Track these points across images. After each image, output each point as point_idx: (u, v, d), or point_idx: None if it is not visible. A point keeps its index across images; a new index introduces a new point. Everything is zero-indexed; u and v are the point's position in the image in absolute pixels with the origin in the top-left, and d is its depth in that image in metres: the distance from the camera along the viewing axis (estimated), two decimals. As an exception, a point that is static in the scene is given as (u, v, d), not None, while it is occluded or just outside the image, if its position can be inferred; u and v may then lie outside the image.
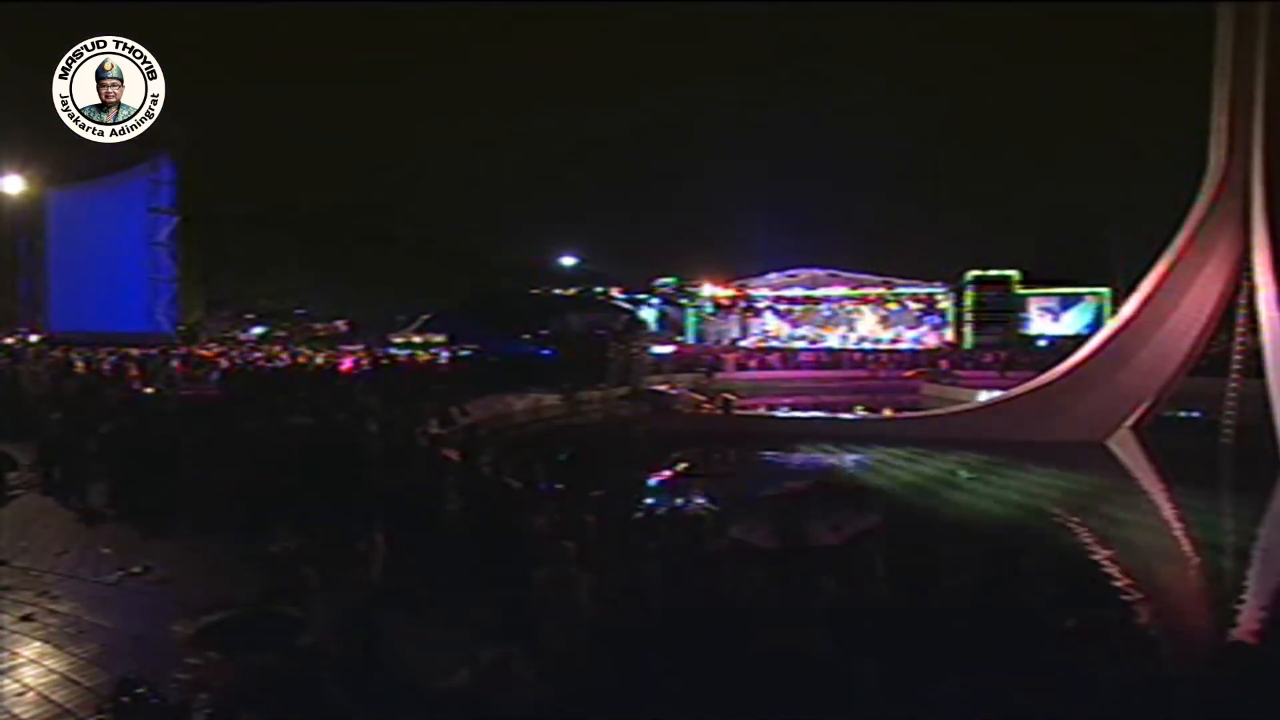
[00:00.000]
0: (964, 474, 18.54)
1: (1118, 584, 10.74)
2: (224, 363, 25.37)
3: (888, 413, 27.44)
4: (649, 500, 12.33)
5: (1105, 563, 11.80)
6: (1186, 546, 13.30)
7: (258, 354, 29.54)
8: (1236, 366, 20.19)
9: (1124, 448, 20.88)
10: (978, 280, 46.06)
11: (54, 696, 5.46)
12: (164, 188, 17.23)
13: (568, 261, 50.47)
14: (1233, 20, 19.89)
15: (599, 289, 49.60)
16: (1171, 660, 5.35)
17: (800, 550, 5.25)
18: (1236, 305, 20.11)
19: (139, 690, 4.46)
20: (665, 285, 49.13)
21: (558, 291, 49.44)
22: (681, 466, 18.48)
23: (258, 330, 55.06)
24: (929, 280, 46.89)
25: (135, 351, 23.55)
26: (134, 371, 20.75)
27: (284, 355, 28.94)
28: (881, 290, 46.87)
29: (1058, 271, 47.20)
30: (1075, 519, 14.71)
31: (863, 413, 28.15)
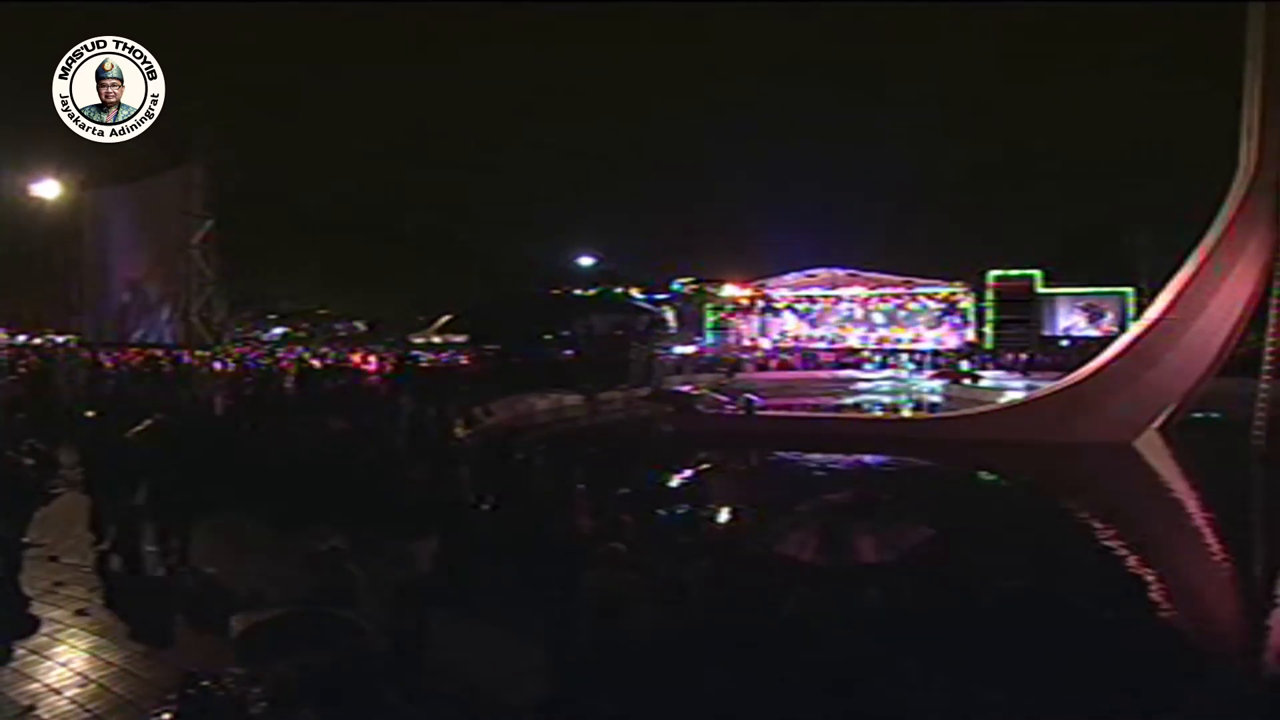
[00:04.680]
0: None
1: (1154, 589, 10.65)
2: (250, 365, 25.64)
3: (910, 413, 27.36)
4: (679, 506, 12.28)
5: (1143, 568, 11.68)
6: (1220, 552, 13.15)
7: (282, 354, 29.83)
8: (1267, 367, 19.95)
9: (1150, 449, 20.69)
10: (999, 280, 45.63)
11: (114, 688, 5.61)
12: (195, 191, 17.44)
13: (586, 262, 50.50)
14: (1264, 18, 19.68)
15: (618, 289, 49.63)
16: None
17: (849, 567, 5.08)
18: (1267, 305, 19.89)
19: (203, 683, 4.57)
20: (684, 285, 49.05)
21: (578, 292, 49.52)
22: (707, 468, 18.45)
23: (279, 331, 55.57)
24: (949, 280, 46.48)
25: (159, 352, 23.81)
26: (166, 370, 21.05)
27: (313, 360, 29.19)
28: (901, 290, 46.55)
29: (1080, 271, 46.54)
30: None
31: (884, 414, 28.06)
